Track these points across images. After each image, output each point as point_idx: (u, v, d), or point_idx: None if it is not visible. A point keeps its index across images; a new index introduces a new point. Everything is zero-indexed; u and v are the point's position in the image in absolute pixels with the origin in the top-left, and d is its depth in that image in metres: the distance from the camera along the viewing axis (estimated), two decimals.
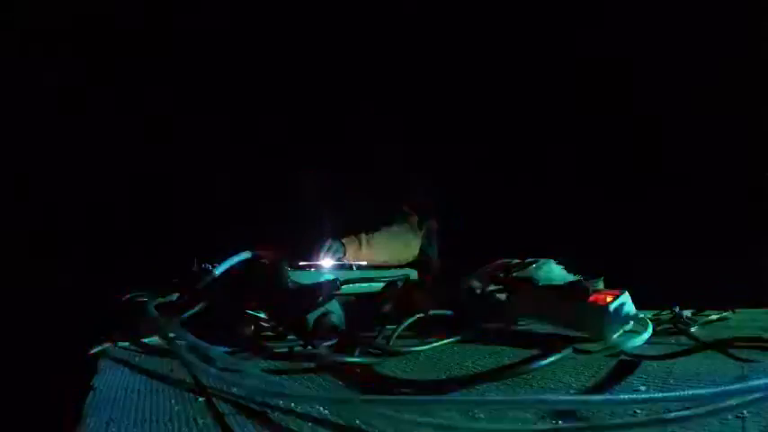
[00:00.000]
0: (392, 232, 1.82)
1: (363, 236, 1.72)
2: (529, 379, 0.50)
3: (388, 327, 0.76)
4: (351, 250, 1.66)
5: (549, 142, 2.14)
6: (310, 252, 1.56)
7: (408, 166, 2.04)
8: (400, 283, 0.93)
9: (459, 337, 0.72)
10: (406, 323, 0.75)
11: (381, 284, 0.97)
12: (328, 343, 0.67)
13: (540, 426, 0.37)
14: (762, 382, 0.33)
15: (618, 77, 1.95)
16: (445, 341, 0.69)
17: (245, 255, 0.78)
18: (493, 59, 2.24)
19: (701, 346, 0.60)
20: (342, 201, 2.08)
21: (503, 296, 0.84)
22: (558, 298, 0.72)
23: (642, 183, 1.91)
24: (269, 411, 0.41)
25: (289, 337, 0.73)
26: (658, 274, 1.48)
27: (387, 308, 0.86)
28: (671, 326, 0.73)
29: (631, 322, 0.65)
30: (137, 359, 0.62)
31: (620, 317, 0.64)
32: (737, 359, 0.53)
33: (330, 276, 0.89)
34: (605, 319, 0.64)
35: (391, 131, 2.06)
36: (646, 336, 0.60)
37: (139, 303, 0.76)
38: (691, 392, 0.34)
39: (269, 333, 0.76)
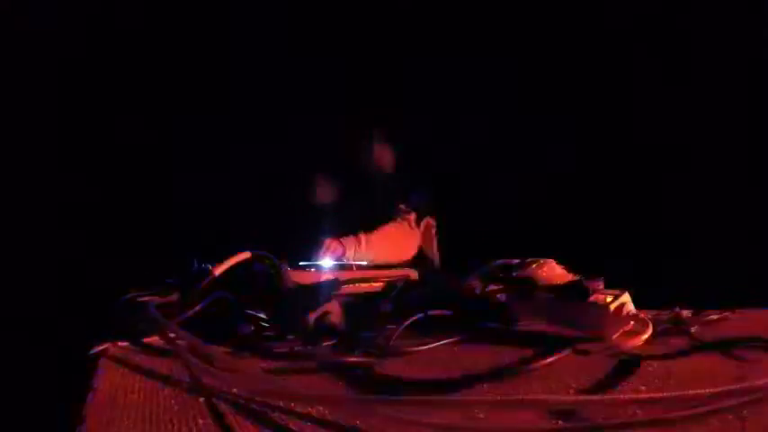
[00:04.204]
0: (391, 231, 1.82)
1: (363, 235, 1.72)
2: (529, 379, 0.50)
3: (389, 326, 0.76)
4: (351, 250, 1.66)
5: (548, 141, 2.14)
6: (310, 252, 1.56)
7: (406, 165, 2.04)
8: (400, 284, 0.93)
9: (459, 338, 0.72)
10: (406, 323, 0.75)
11: (381, 284, 0.97)
12: (328, 343, 0.67)
13: (540, 426, 0.37)
14: (762, 382, 0.33)
15: (617, 76, 1.96)
16: (445, 341, 0.69)
17: (245, 255, 0.77)
18: (491, 57, 2.24)
19: (700, 346, 0.60)
20: (341, 201, 2.09)
21: (503, 296, 0.84)
22: (558, 298, 0.72)
23: (642, 182, 1.91)
24: (269, 411, 0.41)
25: (289, 337, 0.73)
26: (658, 274, 1.48)
27: (387, 308, 0.86)
28: (671, 326, 0.73)
29: (631, 322, 0.65)
30: (137, 359, 0.62)
31: (620, 317, 0.64)
32: (737, 359, 0.53)
33: (330, 276, 0.89)
34: (605, 319, 0.64)
35: (389, 129, 2.06)
36: (646, 336, 0.60)
37: (139, 303, 0.76)
38: (691, 392, 0.34)
39: (269, 333, 0.76)
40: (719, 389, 0.33)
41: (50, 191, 2.14)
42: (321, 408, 0.40)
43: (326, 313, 0.67)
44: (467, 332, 0.74)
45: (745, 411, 0.35)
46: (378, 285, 0.98)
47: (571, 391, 0.46)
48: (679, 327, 0.72)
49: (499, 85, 2.24)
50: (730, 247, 1.66)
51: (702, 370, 0.50)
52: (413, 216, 1.89)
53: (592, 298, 0.67)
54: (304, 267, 1.13)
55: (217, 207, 2.29)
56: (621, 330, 0.65)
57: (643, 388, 0.46)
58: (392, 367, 0.57)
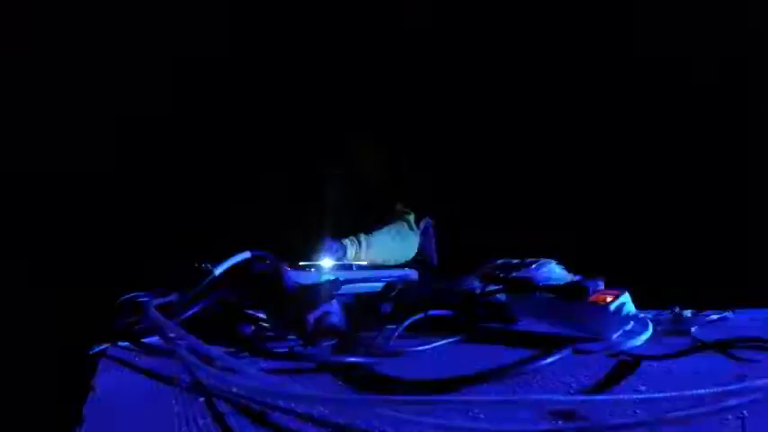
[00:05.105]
0: (390, 231, 1.82)
1: (363, 236, 1.72)
2: (529, 379, 0.50)
3: (388, 327, 0.76)
4: (350, 250, 1.66)
5: (548, 141, 2.14)
6: (310, 252, 1.56)
7: (405, 165, 2.04)
8: (400, 284, 0.93)
9: (459, 337, 0.72)
10: (406, 323, 0.75)
11: (381, 284, 0.97)
12: (328, 343, 0.67)
13: (540, 426, 0.37)
14: (762, 382, 0.33)
15: (617, 76, 1.96)
16: (445, 341, 0.69)
17: (245, 255, 0.77)
18: (490, 58, 2.24)
19: (700, 346, 0.60)
20: (340, 201, 2.09)
21: (503, 296, 0.84)
22: (558, 298, 0.72)
23: (642, 182, 1.91)
24: (269, 411, 0.41)
25: (289, 337, 0.73)
26: (658, 274, 1.48)
27: (387, 308, 0.86)
28: (671, 326, 0.73)
29: (631, 322, 0.65)
30: (137, 359, 0.62)
31: (620, 317, 0.64)
32: (737, 359, 0.53)
33: (330, 276, 0.89)
34: (605, 319, 0.64)
35: (388, 129, 2.06)
36: (646, 336, 0.60)
37: (139, 303, 0.76)
38: (691, 392, 0.34)
39: (269, 333, 0.76)
40: (719, 389, 0.33)
41: (50, 190, 2.14)
42: (321, 408, 0.40)
43: (326, 313, 0.67)
44: (467, 332, 0.74)
45: (745, 411, 0.35)
46: (378, 285, 0.98)
47: (571, 391, 0.46)
48: (679, 327, 0.72)
49: (498, 85, 2.24)
50: (730, 247, 1.66)
51: (702, 370, 0.50)
52: (412, 217, 1.89)
53: (592, 298, 0.67)
54: (304, 267, 1.13)
55: (217, 207, 2.29)
56: (621, 330, 0.65)
57: (643, 388, 0.46)
58: (392, 367, 0.57)
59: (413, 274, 1.22)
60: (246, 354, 0.63)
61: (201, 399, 0.44)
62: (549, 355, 0.53)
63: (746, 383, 0.34)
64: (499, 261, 1.01)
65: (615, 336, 0.64)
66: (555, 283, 0.78)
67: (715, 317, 0.80)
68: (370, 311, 0.87)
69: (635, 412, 0.36)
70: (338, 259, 1.59)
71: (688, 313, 0.77)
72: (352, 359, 0.57)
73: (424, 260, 1.97)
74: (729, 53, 1.72)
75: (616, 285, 0.70)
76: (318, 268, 1.17)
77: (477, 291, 0.91)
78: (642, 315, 0.65)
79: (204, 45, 2.27)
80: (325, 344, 0.67)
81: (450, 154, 2.28)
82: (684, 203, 1.79)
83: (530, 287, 0.79)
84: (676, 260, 1.69)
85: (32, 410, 1.33)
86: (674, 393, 0.34)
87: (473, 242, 1.87)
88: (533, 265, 0.93)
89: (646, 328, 0.61)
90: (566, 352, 0.56)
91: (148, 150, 2.27)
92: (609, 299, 0.65)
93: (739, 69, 1.70)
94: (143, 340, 0.69)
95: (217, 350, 0.51)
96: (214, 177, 2.34)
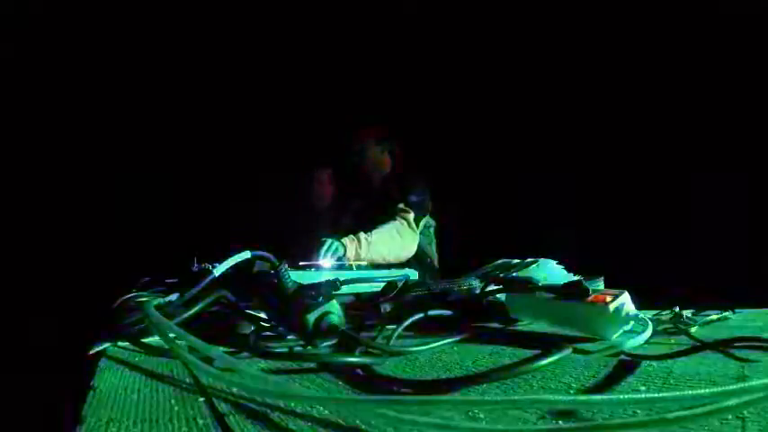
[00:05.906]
0: (391, 231, 1.82)
1: (363, 235, 1.72)
2: (529, 379, 0.50)
3: (388, 327, 0.76)
4: (351, 250, 1.66)
5: (548, 142, 2.14)
6: (311, 252, 1.56)
7: (406, 165, 2.04)
8: (400, 284, 0.93)
9: (459, 337, 0.72)
10: (406, 323, 0.75)
11: (381, 284, 0.97)
12: (328, 343, 0.67)
13: (540, 426, 0.37)
14: (762, 382, 0.33)
15: (617, 75, 1.96)
16: (445, 341, 0.69)
17: (245, 255, 0.77)
18: (489, 59, 2.25)
19: (700, 346, 0.60)
20: (341, 201, 2.09)
21: (502, 296, 0.84)
22: (558, 298, 0.72)
23: (642, 182, 1.91)
24: (269, 411, 0.41)
25: (289, 337, 0.73)
26: (658, 274, 1.48)
27: (387, 308, 0.86)
28: (671, 326, 0.73)
29: (631, 322, 0.65)
30: (137, 359, 0.62)
31: (620, 317, 0.64)
32: (737, 359, 0.53)
33: (330, 276, 0.89)
34: (605, 319, 0.64)
35: (389, 130, 2.06)
36: (646, 336, 0.60)
37: (139, 303, 0.76)
38: (691, 392, 0.34)
39: (269, 333, 0.76)
40: (719, 389, 0.33)
41: (50, 191, 2.14)
42: (321, 408, 0.40)
43: (326, 313, 0.67)
44: (467, 332, 0.74)
45: (745, 411, 0.35)
46: (378, 285, 0.98)
47: (571, 391, 0.46)
48: (679, 327, 0.72)
49: (499, 85, 2.24)
50: (730, 247, 1.66)
51: (702, 370, 0.50)
52: (411, 216, 1.89)
53: (592, 298, 0.67)
54: (304, 267, 1.13)
55: (217, 207, 2.30)
56: (621, 330, 0.65)
57: (643, 388, 0.46)
58: (392, 367, 0.57)
59: (413, 273, 1.22)
60: (246, 354, 0.63)
61: (201, 399, 0.44)
62: (549, 355, 0.53)
63: (746, 383, 0.34)
64: (499, 261, 1.01)
65: (615, 336, 0.64)
66: (555, 283, 0.78)
67: (715, 317, 0.80)
68: (370, 311, 0.87)
69: (635, 412, 0.36)
70: (338, 259, 1.59)
71: (688, 313, 0.77)
72: (352, 359, 0.57)
73: (424, 260, 1.97)
74: (730, 53, 1.72)
75: (616, 285, 0.70)
76: (318, 268, 1.17)
77: (477, 291, 0.91)
78: (642, 315, 0.65)
79: (204, 45, 2.27)
80: (325, 344, 0.67)
81: (450, 154, 2.28)
82: (684, 204, 1.79)
83: (530, 287, 0.79)
84: (676, 260, 1.69)
85: (32, 410, 1.33)
86: (674, 393, 0.34)
87: (473, 242, 1.87)
88: (533, 265, 0.93)
89: (646, 328, 0.61)
90: (566, 352, 0.56)
91: (149, 150, 2.27)
92: (609, 299, 0.65)
93: (739, 69, 1.70)
94: (143, 340, 0.69)
95: (217, 350, 0.51)
96: (214, 177, 2.34)
